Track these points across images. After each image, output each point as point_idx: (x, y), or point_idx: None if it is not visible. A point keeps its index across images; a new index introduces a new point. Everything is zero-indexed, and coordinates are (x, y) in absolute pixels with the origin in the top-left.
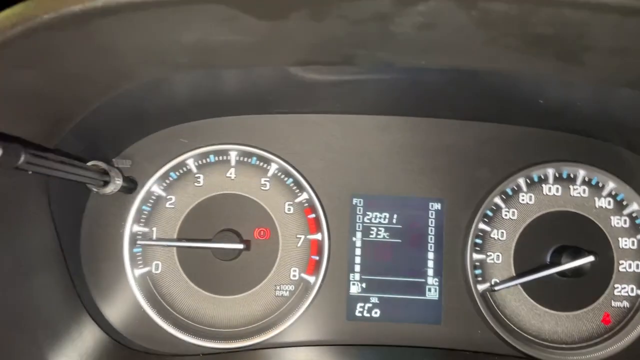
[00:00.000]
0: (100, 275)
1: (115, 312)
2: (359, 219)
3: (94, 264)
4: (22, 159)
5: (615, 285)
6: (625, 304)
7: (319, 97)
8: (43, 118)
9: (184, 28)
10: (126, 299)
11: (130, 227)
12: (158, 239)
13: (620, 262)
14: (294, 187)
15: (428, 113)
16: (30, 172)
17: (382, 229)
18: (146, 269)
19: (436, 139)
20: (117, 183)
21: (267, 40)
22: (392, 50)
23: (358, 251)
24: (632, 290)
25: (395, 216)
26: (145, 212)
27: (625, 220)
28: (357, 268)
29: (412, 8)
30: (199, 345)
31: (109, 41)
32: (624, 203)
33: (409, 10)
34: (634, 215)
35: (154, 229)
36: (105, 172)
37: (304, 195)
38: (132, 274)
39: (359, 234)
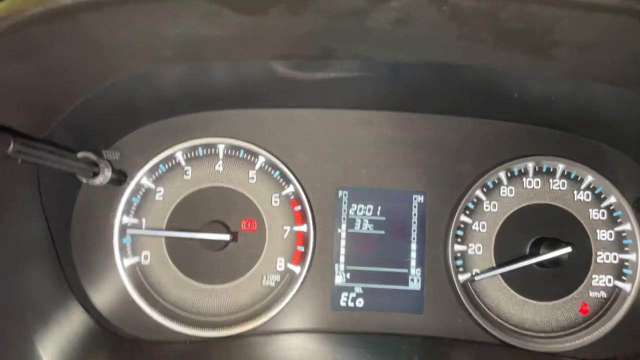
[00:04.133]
0: (90, 264)
1: (104, 300)
2: (344, 211)
3: (84, 253)
4: (12, 147)
5: (593, 276)
6: (603, 294)
7: (303, 92)
8: (32, 110)
9: (167, 22)
10: (115, 288)
11: (120, 218)
12: (147, 229)
13: (598, 253)
14: (281, 180)
15: (411, 108)
16: (19, 161)
17: (367, 221)
18: (135, 259)
19: (419, 134)
20: (106, 175)
21: (248, 34)
22: (369, 44)
23: (343, 242)
24: (609, 281)
25: (379, 208)
26: (135, 204)
27: (603, 213)
28: (342, 259)
29: (386, 4)
30: (186, 334)
31: (95, 35)
32: (602, 196)
33: (383, 6)
34: (611, 208)
35: (143, 220)
36: (94, 164)
37: (290, 188)
38: (122, 264)
39: (343, 226)
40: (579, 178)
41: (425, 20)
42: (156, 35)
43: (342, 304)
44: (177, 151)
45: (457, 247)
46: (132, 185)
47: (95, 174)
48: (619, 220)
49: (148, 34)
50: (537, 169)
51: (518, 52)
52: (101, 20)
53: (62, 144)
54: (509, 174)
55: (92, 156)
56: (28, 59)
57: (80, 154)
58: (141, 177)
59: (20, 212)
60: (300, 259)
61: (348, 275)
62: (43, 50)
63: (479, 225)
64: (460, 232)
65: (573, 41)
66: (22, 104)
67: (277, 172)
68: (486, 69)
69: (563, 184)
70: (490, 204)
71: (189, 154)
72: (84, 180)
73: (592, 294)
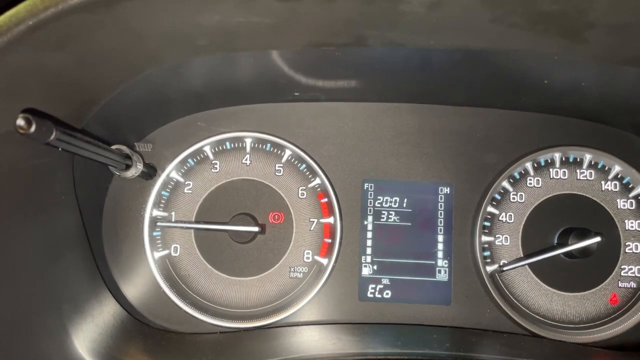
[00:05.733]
0: (121, 257)
1: (135, 292)
2: (370, 203)
3: (115, 246)
4: (53, 135)
5: (622, 267)
6: (632, 284)
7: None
8: (70, 100)
9: (204, 10)
10: (146, 280)
11: (150, 211)
12: (177, 222)
13: (627, 243)
14: (307, 173)
15: (437, 100)
16: (60, 149)
17: (393, 213)
18: (165, 252)
19: (445, 125)
20: (138, 167)
21: (283, 21)
22: (402, 30)
23: (369, 234)
24: (638, 271)
25: (405, 200)
26: (165, 197)
27: (631, 203)
28: (369, 251)
29: None
30: (216, 325)
31: (134, 23)
32: (630, 186)
33: None
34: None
35: (173, 213)
36: (127, 156)
37: (317, 181)
38: (152, 256)
39: (370, 218)
40: (606, 168)
41: (458, 3)
42: (193, 24)
43: (370, 295)
44: (206, 145)
45: (485, 238)
46: (162, 178)
47: (128, 167)
48: None
49: (186, 23)
50: (563, 159)
51: (551, 36)
52: (140, 9)
53: (96, 136)
54: (535, 165)
55: (125, 149)
56: (68, 48)
57: (114, 147)
58: (170, 171)
59: (55, 202)
60: (327, 251)
61: (375, 266)
62: (83, 40)
63: (506, 216)
64: (487, 223)
65: (607, 23)
66: (61, 94)
67: (304, 165)
68: (517, 54)
69: (590, 174)
70: (517, 194)
71: (217, 148)
72: (116, 173)
73: (621, 284)
